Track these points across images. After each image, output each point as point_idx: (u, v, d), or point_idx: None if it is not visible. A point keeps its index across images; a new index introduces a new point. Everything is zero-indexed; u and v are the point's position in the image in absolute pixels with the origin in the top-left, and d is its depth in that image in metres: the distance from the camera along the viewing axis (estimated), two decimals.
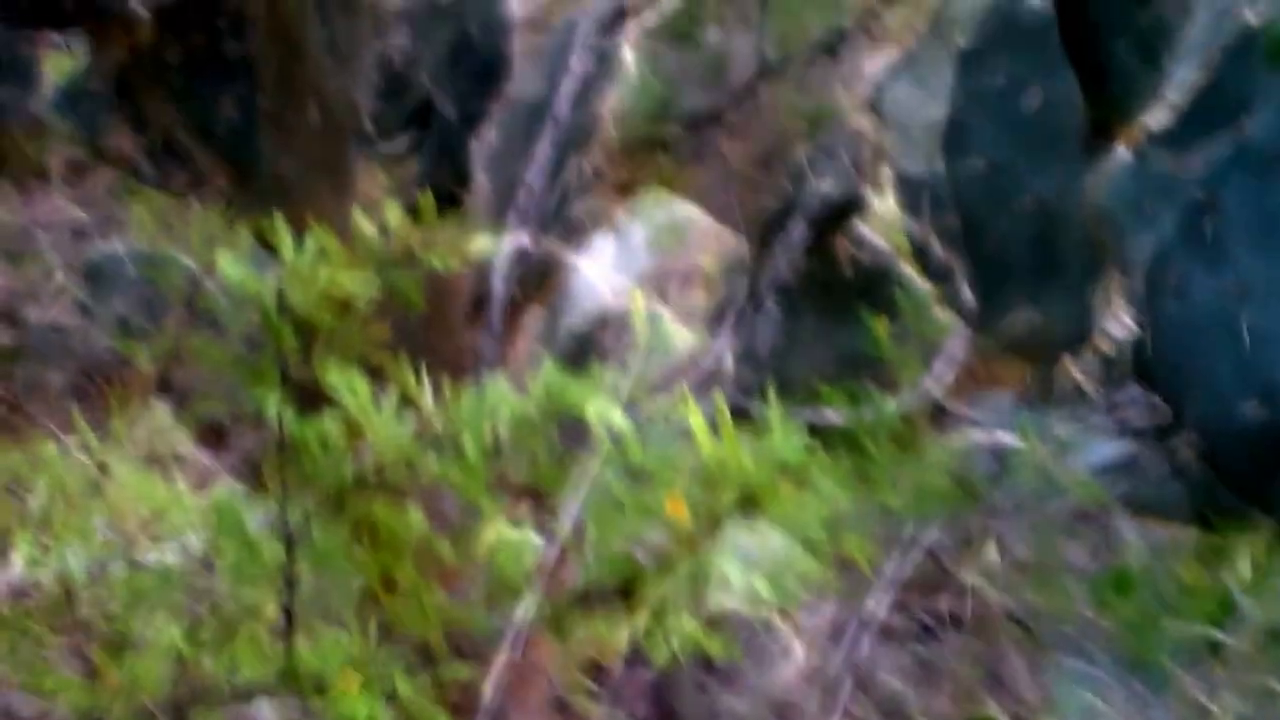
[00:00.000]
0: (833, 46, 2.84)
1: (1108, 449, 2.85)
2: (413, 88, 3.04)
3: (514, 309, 2.86)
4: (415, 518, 2.19)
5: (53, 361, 2.96)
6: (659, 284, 2.93)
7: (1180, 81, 2.84)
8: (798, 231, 2.91)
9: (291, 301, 2.19)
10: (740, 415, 2.83)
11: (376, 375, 2.49)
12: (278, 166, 2.89)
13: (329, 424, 2.20)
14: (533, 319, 2.94)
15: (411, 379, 2.17)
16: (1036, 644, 2.91)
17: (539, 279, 2.91)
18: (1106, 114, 2.89)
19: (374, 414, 2.14)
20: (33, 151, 2.91)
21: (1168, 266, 2.73)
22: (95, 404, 2.90)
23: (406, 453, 2.15)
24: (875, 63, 2.99)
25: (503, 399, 2.16)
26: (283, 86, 2.89)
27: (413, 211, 2.94)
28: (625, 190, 2.91)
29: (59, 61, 2.90)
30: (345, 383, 2.14)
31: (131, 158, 2.87)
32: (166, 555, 2.20)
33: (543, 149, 2.86)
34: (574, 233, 2.97)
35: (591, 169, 2.89)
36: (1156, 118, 2.84)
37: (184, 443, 2.53)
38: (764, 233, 2.98)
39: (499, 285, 2.70)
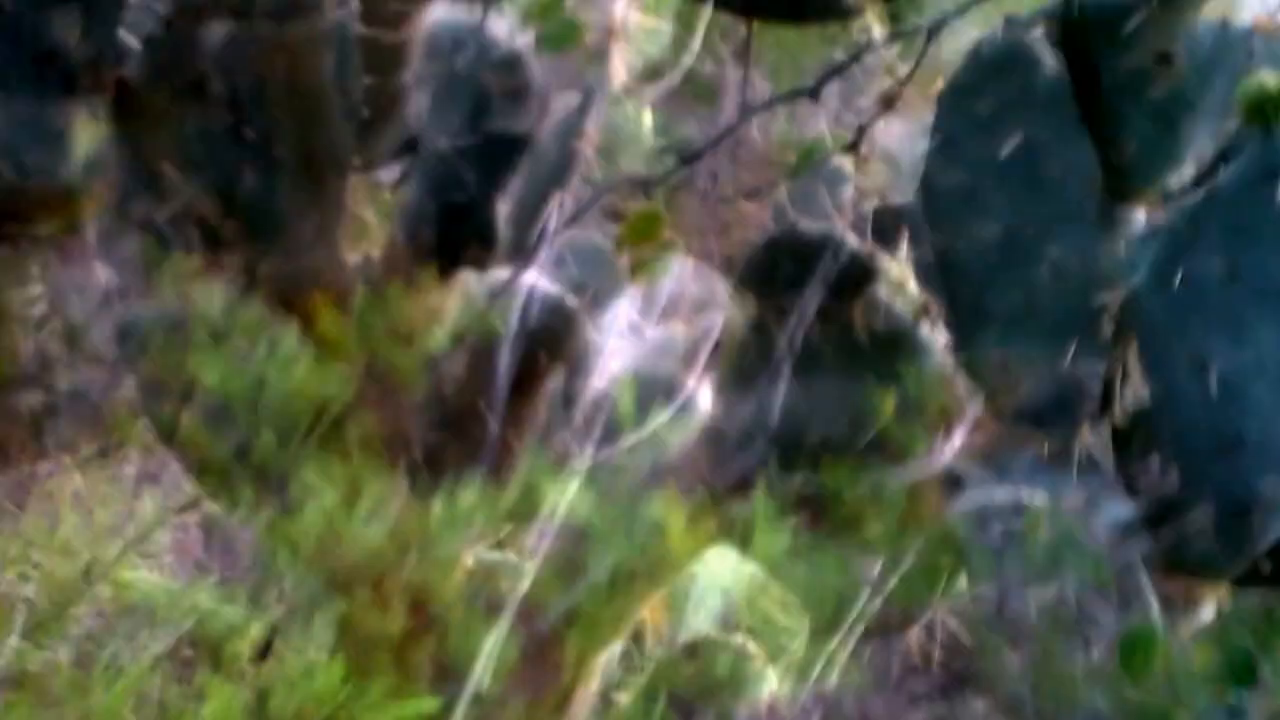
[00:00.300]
0: (824, 82, 2.81)
1: (1122, 510, 2.83)
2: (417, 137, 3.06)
3: (529, 375, 2.87)
4: (394, 616, 2.23)
5: (81, 425, 3.04)
6: (642, 315, 2.94)
7: (1199, 146, 2.80)
8: (813, 293, 2.90)
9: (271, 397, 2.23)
10: (747, 485, 2.84)
11: (374, 459, 2.53)
12: (298, 234, 2.94)
13: (309, 519, 2.25)
14: (551, 383, 2.95)
15: (381, 481, 2.20)
16: (1055, 706, 2.90)
17: (555, 341, 2.92)
18: (1123, 180, 2.85)
19: (343, 516, 2.18)
20: (65, 216, 2.97)
21: (1183, 336, 2.70)
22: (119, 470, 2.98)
23: (378, 555, 2.19)
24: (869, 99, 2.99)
25: (476, 504, 2.19)
26: (302, 155, 2.93)
27: (412, 248, 2.98)
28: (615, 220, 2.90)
29: (88, 128, 2.95)
30: (316, 483, 2.18)
31: (156, 224, 2.92)
32: (155, 644, 2.26)
33: (556, 207, 2.88)
34: (592, 295, 2.98)
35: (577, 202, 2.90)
36: (1176, 183, 2.81)
37: (183, 523, 2.59)
38: (753, 271, 2.97)
39: (504, 359, 2.72)
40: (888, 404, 2.84)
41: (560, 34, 2.89)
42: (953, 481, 2.88)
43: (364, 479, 2.26)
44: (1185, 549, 2.74)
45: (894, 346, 2.95)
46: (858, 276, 2.92)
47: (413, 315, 2.66)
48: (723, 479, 2.87)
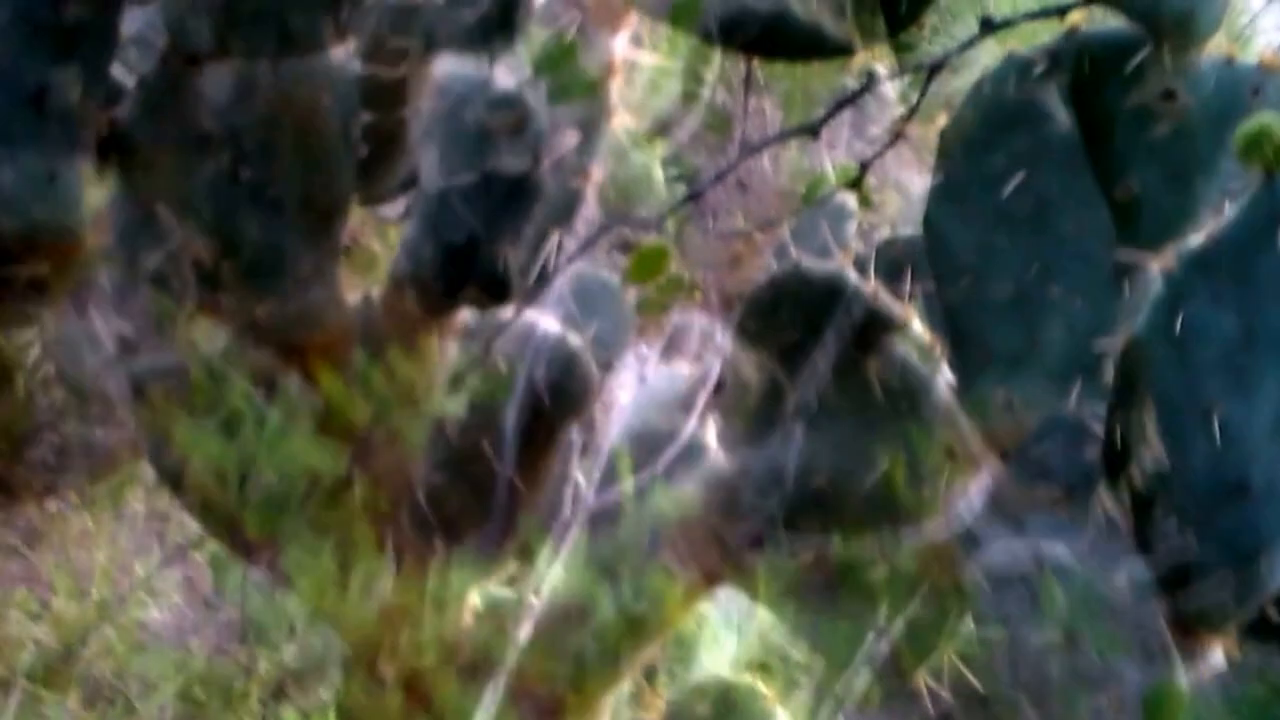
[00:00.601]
0: (825, 121, 2.78)
1: (1141, 568, 2.80)
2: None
3: (543, 431, 2.86)
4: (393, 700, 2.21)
5: (89, 466, 3.03)
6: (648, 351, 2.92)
7: (1214, 207, 2.75)
8: (828, 346, 2.85)
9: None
10: (757, 545, 2.81)
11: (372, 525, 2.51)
12: (296, 276, 2.93)
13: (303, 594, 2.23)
14: (567, 439, 2.93)
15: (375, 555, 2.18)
16: None
17: (561, 381, 2.90)
18: (1138, 240, 2.80)
19: (333, 596, 2.16)
20: (79, 269, 2.97)
21: (1200, 399, 2.65)
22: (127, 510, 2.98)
23: (370, 635, 2.17)
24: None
25: (466, 582, 2.17)
26: (302, 195, 2.92)
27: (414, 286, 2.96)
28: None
29: (100, 181, 2.96)
30: (303, 564, 2.16)
31: (166, 277, 2.92)
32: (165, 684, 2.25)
33: (560, 243, 2.86)
34: (598, 331, 2.96)
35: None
36: (1192, 243, 2.75)
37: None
38: (758, 310, 2.93)
39: (512, 417, 2.70)
40: (900, 460, 2.80)
41: (570, 85, 2.86)
42: (969, 539, 2.85)
43: (359, 551, 2.25)
44: (1193, 601, 2.71)
45: (909, 398, 2.89)
46: (867, 325, 2.86)
47: (414, 368, 2.64)
48: (732, 534, 2.84)
